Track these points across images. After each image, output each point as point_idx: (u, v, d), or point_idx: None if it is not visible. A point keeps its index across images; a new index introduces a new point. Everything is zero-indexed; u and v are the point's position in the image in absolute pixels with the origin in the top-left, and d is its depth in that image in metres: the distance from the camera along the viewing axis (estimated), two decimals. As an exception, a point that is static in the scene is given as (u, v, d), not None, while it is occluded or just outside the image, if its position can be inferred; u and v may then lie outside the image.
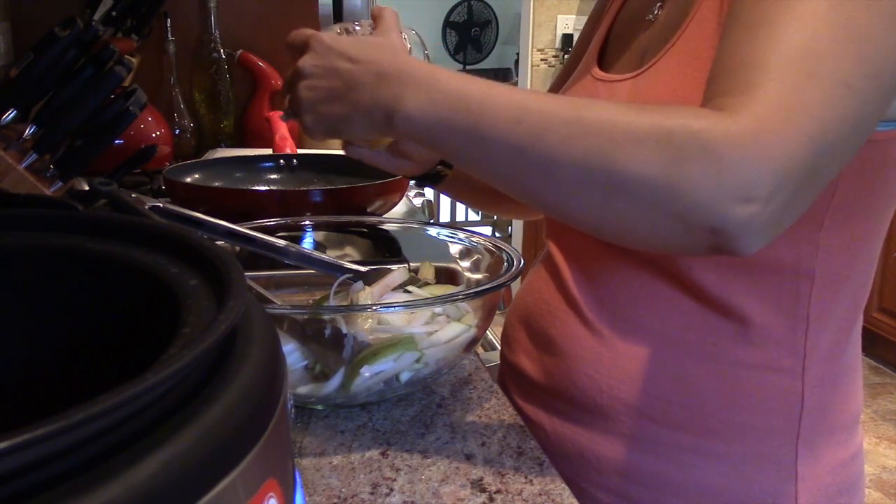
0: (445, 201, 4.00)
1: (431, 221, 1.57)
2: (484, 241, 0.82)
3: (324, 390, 0.66)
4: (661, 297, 0.65)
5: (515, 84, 3.93)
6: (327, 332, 0.66)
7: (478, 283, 0.78)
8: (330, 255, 0.79)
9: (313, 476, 0.58)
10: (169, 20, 1.71)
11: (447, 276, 0.81)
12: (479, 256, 0.81)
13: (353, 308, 0.70)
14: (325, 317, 0.67)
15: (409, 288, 0.75)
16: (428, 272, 0.80)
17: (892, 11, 0.49)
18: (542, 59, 3.79)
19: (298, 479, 0.29)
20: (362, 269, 0.76)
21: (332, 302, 0.74)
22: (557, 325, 0.72)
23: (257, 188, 1.26)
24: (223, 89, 1.78)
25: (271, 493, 0.24)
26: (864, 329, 0.74)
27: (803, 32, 0.49)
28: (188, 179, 1.21)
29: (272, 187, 1.28)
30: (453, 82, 0.57)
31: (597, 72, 0.74)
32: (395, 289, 0.74)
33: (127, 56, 1.37)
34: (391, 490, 0.57)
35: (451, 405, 0.70)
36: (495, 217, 4.26)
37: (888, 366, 3.26)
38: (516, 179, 0.55)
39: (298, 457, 0.61)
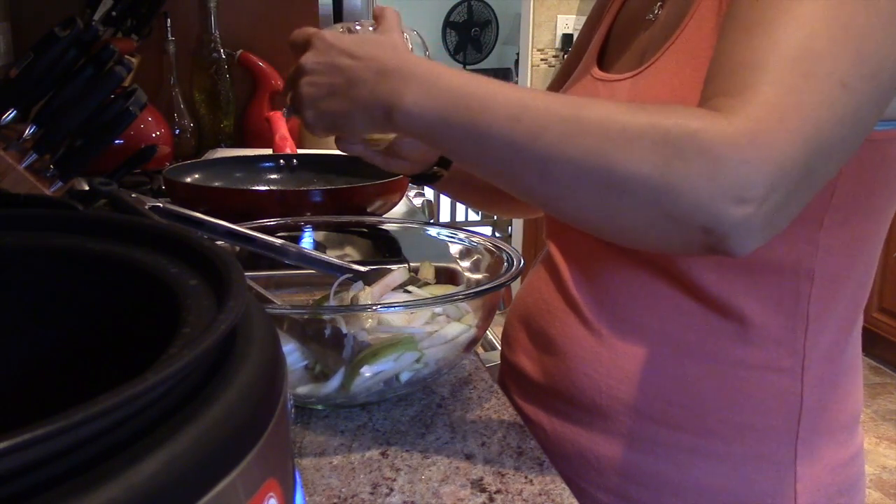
0: (445, 201, 4.00)
1: (431, 221, 1.57)
2: (484, 241, 0.82)
3: (324, 390, 0.66)
4: (661, 297, 0.65)
5: (515, 84, 3.92)
6: (327, 332, 0.66)
7: (478, 283, 0.78)
8: (330, 255, 0.79)
9: (313, 476, 0.58)
10: (169, 20, 1.71)
11: (447, 276, 0.81)
12: (479, 256, 0.81)
13: (353, 308, 0.70)
14: (325, 317, 0.67)
15: (409, 288, 0.75)
16: (428, 272, 0.80)
17: (890, 11, 0.49)
18: (542, 59, 3.79)
19: (298, 479, 0.29)
20: (362, 269, 0.76)
21: (332, 302, 0.74)
22: (557, 325, 0.72)
23: (257, 188, 1.26)
24: (223, 89, 1.78)
25: (271, 493, 0.24)
26: (864, 329, 0.74)
27: (801, 33, 0.49)
28: (188, 179, 1.21)
29: (272, 187, 1.28)
30: (453, 79, 0.57)
31: (596, 71, 0.74)
32: (395, 289, 0.74)
33: (127, 56, 1.37)
34: (391, 490, 0.57)
35: (451, 405, 0.70)
36: (495, 217, 4.26)
37: (888, 366, 3.26)
38: (514, 177, 0.56)
39: (298, 457, 0.61)
